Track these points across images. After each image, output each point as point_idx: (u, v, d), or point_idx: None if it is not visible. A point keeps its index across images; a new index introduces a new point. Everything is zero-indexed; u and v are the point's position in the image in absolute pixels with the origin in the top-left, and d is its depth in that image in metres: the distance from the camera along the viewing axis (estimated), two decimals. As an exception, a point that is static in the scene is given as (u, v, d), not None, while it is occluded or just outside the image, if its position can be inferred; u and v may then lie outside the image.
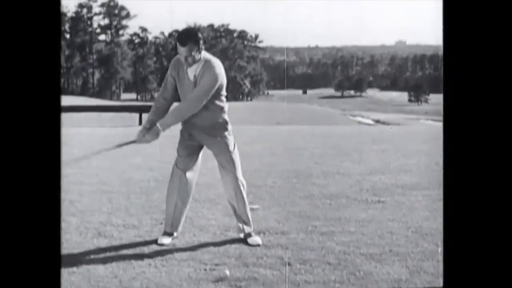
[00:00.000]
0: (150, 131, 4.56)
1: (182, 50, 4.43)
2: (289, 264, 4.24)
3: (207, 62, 4.51)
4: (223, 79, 4.56)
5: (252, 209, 5.04)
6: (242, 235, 4.76)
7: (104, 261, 4.30)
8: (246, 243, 4.67)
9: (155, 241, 4.72)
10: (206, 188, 6.10)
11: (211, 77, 4.47)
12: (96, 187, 6.77)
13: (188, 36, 4.44)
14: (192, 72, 4.53)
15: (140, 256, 4.40)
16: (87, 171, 7.86)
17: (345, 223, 5.26)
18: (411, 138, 13.00)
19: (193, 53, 4.43)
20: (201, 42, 4.45)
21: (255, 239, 4.72)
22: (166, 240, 4.70)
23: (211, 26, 38.84)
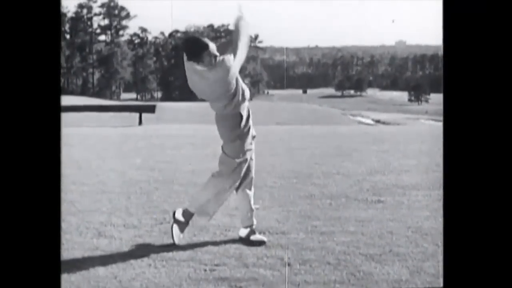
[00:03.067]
0: None
1: (202, 64, 4.48)
2: (289, 265, 4.24)
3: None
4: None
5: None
6: (246, 233, 4.77)
7: (104, 261, 4.30)
8: (247, 243, 4.67)
9: (155, 241, 4.72)
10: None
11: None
12: (96, 187, 6.77)
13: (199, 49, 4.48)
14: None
15: (140, 256, 4.40)
16: (87, 171, 7.86)
17: (345, 223, 5.25)
18: (411, 138, 13.00)
19: (211, 58, 4.48)
20: (210, 45, 4.48)
21: (258, 236, 4.74)
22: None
23: (211, 26, 38.87)
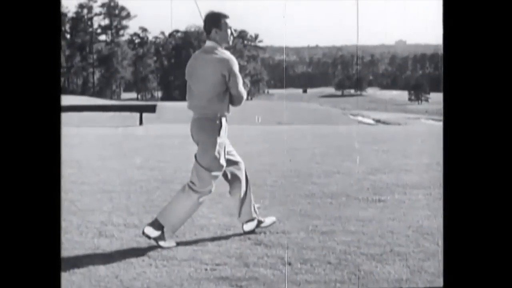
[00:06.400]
0: None
1: (219, 31, 4.59)
2: (289, 264, 4.24)
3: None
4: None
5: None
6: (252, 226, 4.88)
7: (105, 261, 4.30)
8: (247, 244, 4.67)
9: (155, 241, 4.72)
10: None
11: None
12: (97, 187, 6.77)
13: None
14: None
15: (141, 256, 4.40)
16: (87, 171, 7.86)
17: (345, 222, 5.25)
18: (411, 137, 13.01)
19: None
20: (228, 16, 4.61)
21: (267, 220, 4.97)
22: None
23: (211, 25, 38.73)
